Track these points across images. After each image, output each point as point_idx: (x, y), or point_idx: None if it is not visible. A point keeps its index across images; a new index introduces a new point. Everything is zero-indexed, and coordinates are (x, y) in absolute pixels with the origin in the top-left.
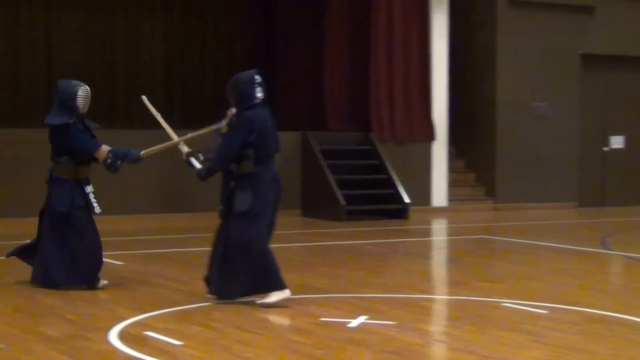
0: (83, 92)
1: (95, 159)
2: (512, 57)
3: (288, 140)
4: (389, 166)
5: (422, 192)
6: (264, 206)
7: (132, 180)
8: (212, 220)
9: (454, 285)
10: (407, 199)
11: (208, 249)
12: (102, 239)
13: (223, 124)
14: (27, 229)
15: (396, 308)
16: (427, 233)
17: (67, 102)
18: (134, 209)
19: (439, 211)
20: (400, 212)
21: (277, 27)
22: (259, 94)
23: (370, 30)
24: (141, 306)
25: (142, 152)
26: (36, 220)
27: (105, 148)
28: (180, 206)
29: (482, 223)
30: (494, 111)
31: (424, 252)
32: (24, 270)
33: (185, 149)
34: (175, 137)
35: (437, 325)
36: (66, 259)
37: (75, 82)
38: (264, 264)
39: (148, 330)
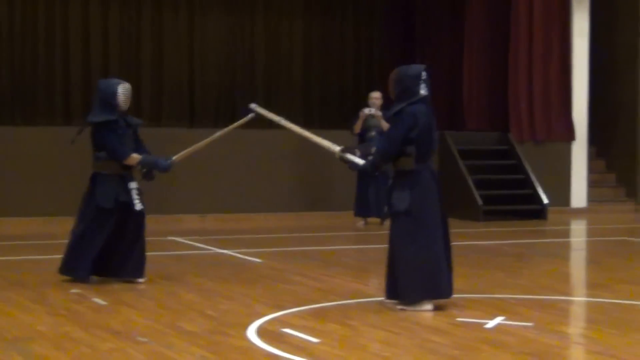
0: (123, 89)
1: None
2: None
3: None
4: (527, 166)
5: (561, 192)
6: (425, 206)
7: (272, 178)
8: (349, 218)
9: (593, 287)
10: (545, 200)
11: (345, 247)
12: (241, 236)
13: (248, 118)
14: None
15: (534, 309)
16: (566, 234)
17: (109, 101)
18: (273, 207)
19: (578, 212)
20: (538, 212)
21: (415, 27)
22: (423, 90)
23: (510, 29)
24: (279, 303)
25: (174, 157)
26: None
27: (135, 157)
28: (318, 204)
29: (622, 224)
30: (636, 110)
31: (562, 253)
32: (167, 266)
33: (335, 147)
34: (307, 134)
35: (576, 327)
36: (89, 251)
37: (115, 80)
38: (425, 269)
39: (286, 327)
